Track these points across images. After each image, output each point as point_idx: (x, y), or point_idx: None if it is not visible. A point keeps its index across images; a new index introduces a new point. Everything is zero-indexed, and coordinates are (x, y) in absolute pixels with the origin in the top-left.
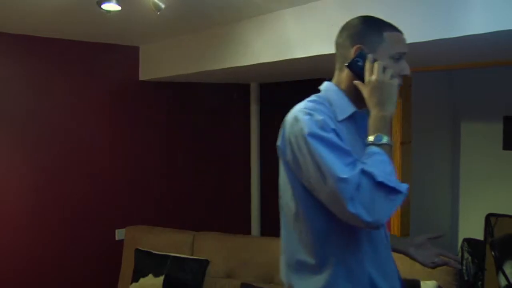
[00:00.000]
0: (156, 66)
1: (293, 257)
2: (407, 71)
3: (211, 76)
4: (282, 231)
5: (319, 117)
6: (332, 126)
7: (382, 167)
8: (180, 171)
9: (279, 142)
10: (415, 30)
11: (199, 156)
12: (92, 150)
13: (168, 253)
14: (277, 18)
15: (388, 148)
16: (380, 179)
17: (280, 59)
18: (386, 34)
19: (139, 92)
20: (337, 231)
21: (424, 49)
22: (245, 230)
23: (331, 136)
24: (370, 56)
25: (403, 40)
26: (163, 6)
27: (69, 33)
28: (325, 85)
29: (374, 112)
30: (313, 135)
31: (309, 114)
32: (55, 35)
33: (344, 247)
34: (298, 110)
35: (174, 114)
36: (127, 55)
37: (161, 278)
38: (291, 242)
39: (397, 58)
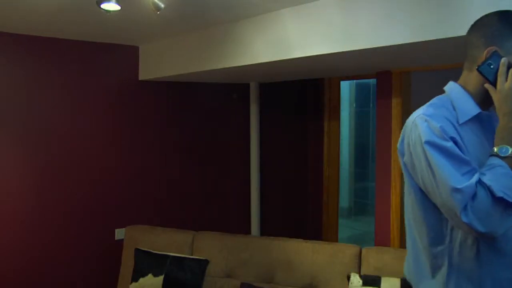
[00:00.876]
0: (155, 66)
1: (414, 258)
2: None
3: (210, 76)
4: (406, 230)
5: (436, 124)
6: (451, 133)
7: (503, 181)
8: (180, 170)
9: (399, 145)
10: (416, 30)
11: (198, 155)
12: (91, 149)
13: (167, 253)
14: (276, 18)
15: (510, 161)
16: (499, 194)
17: (279, 59)
18: None
19: (138, 92)
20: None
21: (425, 48)
22: (245, 230)
23: (449, 144)
24: (504, 60)
25: None
26: (162, 6)
27: (68, 33)
28: (449, 86)
29: (503, 122)
30: (430, 143)
31: (427, 120)
32: (54, 34)
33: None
34: (417, 115)
35: (173, 114)
36: (127, 55)
37: (161, 277)
38: (412, 243)
39: None
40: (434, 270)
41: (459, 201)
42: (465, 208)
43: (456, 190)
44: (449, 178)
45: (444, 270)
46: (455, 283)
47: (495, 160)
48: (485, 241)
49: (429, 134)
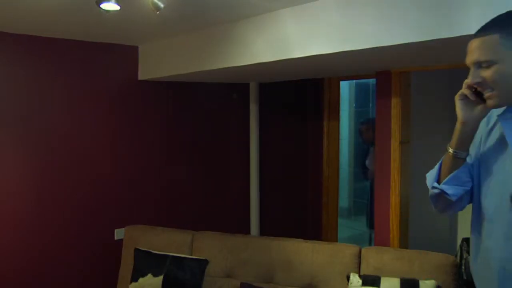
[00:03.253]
0: (155, 66)
1: None
2: (470, 79)
3: (210, 76)
4: None
5: None
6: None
7: (432, 172)
8: (179, 170)
9: None
10: (414, 30)
11: (198, 155)
12: (91, 149)
13: (167, 253)
14: (276, 18)
15: (447, 157)
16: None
17: (279, 59)
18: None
19: (138, 91)
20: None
21: (424, 48)
22: (244, 230)
23: None
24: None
25: (469, 48)
26: (162, 5)
27: (68, 33)
28: None
29: None
30: None
31: None
32: (54, 34)
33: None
34: None
35: (173, 113)
36: (127, 55)
37: (160, 277)
38: None
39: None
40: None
41: None
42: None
43: None
44: None
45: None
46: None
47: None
48: (473, 213)
49: None
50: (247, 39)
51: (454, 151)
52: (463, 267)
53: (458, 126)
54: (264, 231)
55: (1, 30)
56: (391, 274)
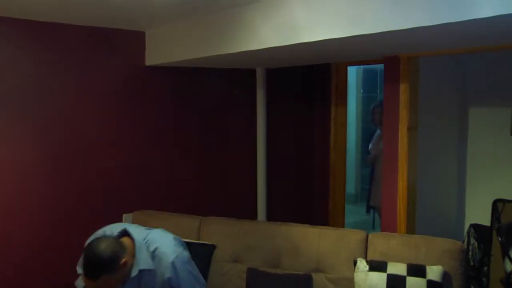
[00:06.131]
0: (162, 51)
1: None
2: None
3: (217, 61)
4: None
5: None
6: None
7: None
8: (187, 156)
9: None
10: (422, 14)
11: (205, 141)
12: (98, 135)
13: None
14: (284, 2)
15: None
16: None
17: (287, 44)
18: None
19: (145, 77)
20: None
21: (432, 33)
22: (251, 215)
23: None
24: None
25: None
26: None
27: (73, 18)
28: None
29: None
30: None
31: None
32: (59, 20)
33: None
34: None
35: (180, 99)
36: (133, 40)
37: None
38: None
39: None
40: None
41: None
42: None
43: None
44: None
45: None
46: None
47: None
48: None
49: None
50: (254, 24)
51: None
52: (470, 253)
53: None
54: (271, 216)
55: (4, 15)
56: (398, 260)
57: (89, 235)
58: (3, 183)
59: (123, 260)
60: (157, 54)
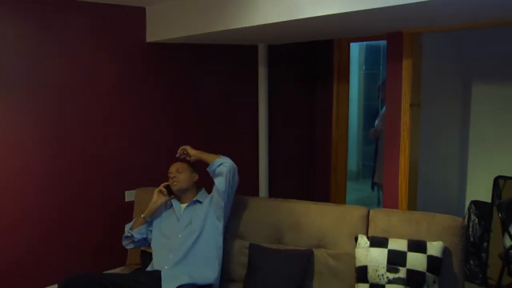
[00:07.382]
0: (162, 28)
1: None
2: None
3: (218, 37)
4: None
5: None
6: None
7: None
8: (189, 133)
9: None
10: None
11: (207, 118)
12: (100, 112)
13: None
14: None
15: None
16: None
17: (289, 19)
18: None
19: (146, 54)
20: None
21: (435, 8)
22: (254, 192)
23: None
24: None
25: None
26: None
27: None
28: None
29: None
30: None
31: None
32: None
33: None
34: None
35: (181, 76)
36: (133, 16)
37: None
38: None
39: None
40: None
41: None
42: None
43: None
44: None
45: None
46: None
47: None
48: None
49: None
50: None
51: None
52: (470, 229)
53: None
54: (273, 193)
55: None
56: (399, 236)
57: (93, 212)
58: (4, 163)
59: (197, 177)
60: (158, 31)
